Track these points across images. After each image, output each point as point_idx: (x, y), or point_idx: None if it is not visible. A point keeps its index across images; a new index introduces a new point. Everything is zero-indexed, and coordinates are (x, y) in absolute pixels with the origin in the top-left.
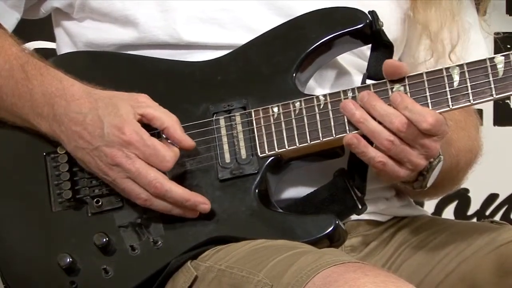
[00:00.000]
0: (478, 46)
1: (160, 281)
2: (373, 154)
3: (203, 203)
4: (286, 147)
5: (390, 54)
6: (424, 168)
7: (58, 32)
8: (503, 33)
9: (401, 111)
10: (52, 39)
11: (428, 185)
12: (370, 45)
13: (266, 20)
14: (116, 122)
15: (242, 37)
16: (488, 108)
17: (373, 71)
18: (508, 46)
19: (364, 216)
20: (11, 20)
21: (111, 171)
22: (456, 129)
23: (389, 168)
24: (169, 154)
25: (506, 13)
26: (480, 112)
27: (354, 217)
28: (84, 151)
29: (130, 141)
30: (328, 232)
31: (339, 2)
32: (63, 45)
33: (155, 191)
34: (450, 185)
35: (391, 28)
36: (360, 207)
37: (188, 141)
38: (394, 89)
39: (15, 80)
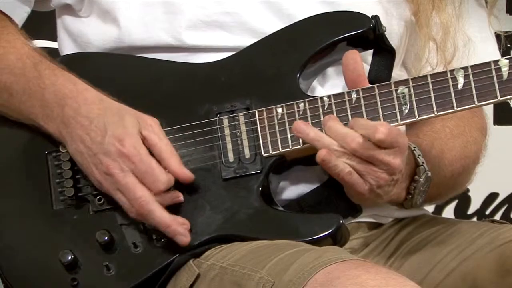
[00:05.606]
0: (487, 44)
1: (163, 279)
2: (342, 166)
3: (182, 234)
4: (290, 147)
5: (392, 59)
6: (411, 188)
7: (61, 30)
8: (504, 32)
9: (356, 130)
10: (54, 38)
11: (419, 202)
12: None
13: (271, 24)
14: (118, 133)
15: (246, 41)
16: (488, 108)
17: (374, 76)
18: (509, 45)
19: (365, 219)
20: (21, 14)
21: (104, 181)
22: (450, 138)
23: (354, 179)
24: (163, 177)
25: (506, 12)
26: None
27: (354, 219)
28: (83, 156)
29: (127, 155)
30: (332, 231)
31: (340, 7)
32: (65, 45)
33: (139, 209)
34: (450, 193)
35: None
36: (356, 210)
37: (186, 174)
38: (398, 91)
39: (27, 79)
